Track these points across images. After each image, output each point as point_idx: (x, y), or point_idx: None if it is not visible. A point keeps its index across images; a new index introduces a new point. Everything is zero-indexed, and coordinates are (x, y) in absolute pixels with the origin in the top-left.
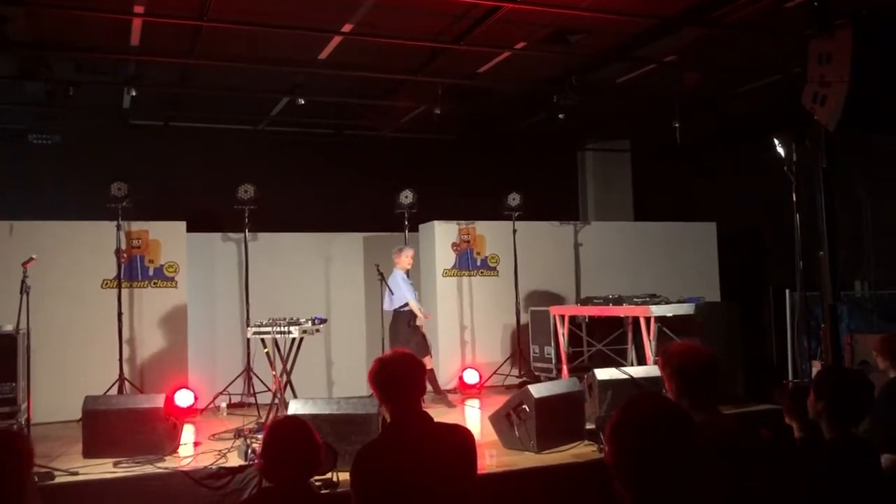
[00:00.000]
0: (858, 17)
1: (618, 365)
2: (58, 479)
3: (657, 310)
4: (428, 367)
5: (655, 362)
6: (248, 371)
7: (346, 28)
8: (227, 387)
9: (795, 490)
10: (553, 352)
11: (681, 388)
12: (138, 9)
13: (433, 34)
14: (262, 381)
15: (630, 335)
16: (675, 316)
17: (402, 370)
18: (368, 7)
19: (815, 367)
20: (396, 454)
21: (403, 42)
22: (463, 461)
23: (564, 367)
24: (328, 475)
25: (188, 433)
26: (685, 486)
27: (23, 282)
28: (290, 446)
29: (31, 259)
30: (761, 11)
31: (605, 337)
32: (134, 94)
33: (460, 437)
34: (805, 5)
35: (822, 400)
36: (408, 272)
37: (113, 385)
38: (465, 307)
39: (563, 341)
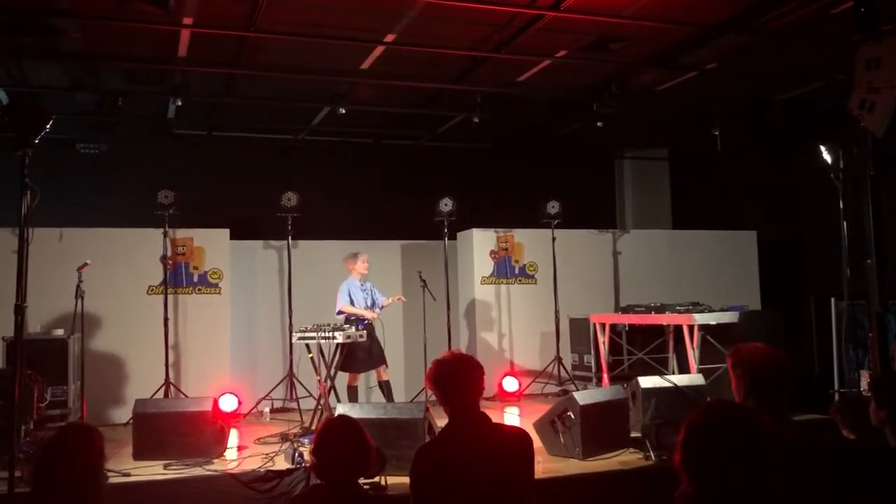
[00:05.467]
0: None
1: (659, 374)
2: (111, 480)
3: (701, 318)
4: (384, 377)
5: (700, 370)
6: (290, 376)
7: (389, 38)
8: (270, 391)
9: (864, 497)
10: (593, 360)
11: (749, 389)
12: (187, 20)
13: (475, 43)
14: (303, 387)
15: (671, 343)
16: (718, 324)
17: (460, 370)
18: (412, 17)
19: (864, 377)
20: (456, 453)
21: (445, 51)
22: (521, 462)
23: (605, 376)
24: (376, 479)
25: (233, 437)
26: (753, 488)
27: (77, 286)
28: (342, 445)
29: (86, 264)
30: (805, 18)
31: (645, 345)
32: (179, 103)
33: (519, 439)
34: (851, 11)
35: (884, 408)
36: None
37: (159, 389)
38: (504, 315)
39: (603, 349)
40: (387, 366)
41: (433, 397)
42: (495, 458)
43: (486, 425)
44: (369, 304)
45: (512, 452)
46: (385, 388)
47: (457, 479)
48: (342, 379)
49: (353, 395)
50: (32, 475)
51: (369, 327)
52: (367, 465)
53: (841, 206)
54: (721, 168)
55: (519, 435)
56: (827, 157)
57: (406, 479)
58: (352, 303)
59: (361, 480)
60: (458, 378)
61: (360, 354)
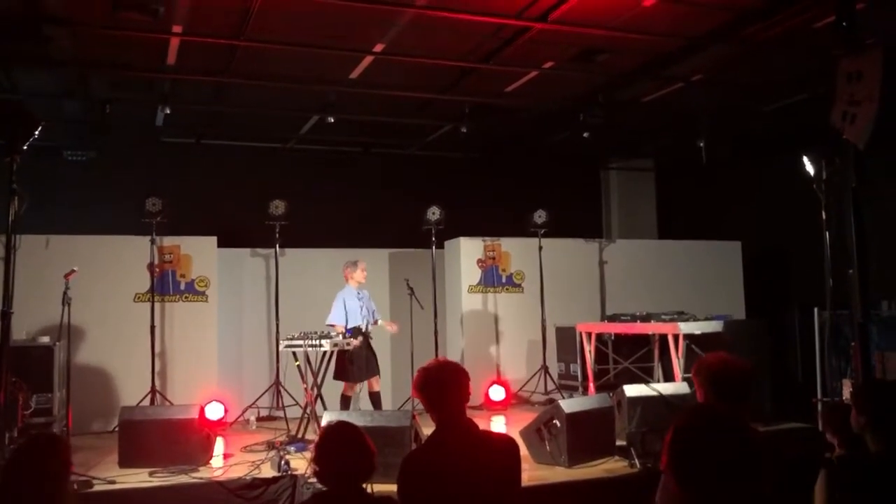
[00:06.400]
0: (889, 40)
1: (644, 382)
2: (96, 488)
3: (686, 327)
4: (375, 388)
5: (685, 378)
6: (277, 384)
7: (378, 48)
8: (256, 399)
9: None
10: (579, 369)
11: (709, 396)
12: (177, 28)
13: (463, 54)
14: (290, 395)
15: (656, 352)
16: (702, 333)
17: (446, 377)
18: (400, 27)
19: (846, 385)
20: (443, 460)
21: (433, 61)
22: (508, 468)
23: (591, 385)
24: (363, 486)
25: (219, 445)
26: (739, 488)
27: (64, 293)
28: (346, 449)
29: (73, 271)
30: (790, 31)
31: (631, 354)
32: (168, 111)
33: (506, 445)
34: (833, 25)
35: (864, 414)
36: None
37: (145, 397)
38: (490, 324)
39: (589, 358)
40: (379, 377)
41: (420, 405)
42: (483, 465)
43: (474, 432)
44: (364, 313)
45: (499, 459)
46: (375, 399)
47: (444, 485)
48: (329, 387)
49: (345, 405)
50: None
51: (366, 338)
52: (372, 469)
53: (823, 216)
54: (706, 179)
55: (506, 441)
56: (810, 168)
57: (392, 487)
58: (346, 313)
59: None
60: (444, 385)
61: (357, 363)
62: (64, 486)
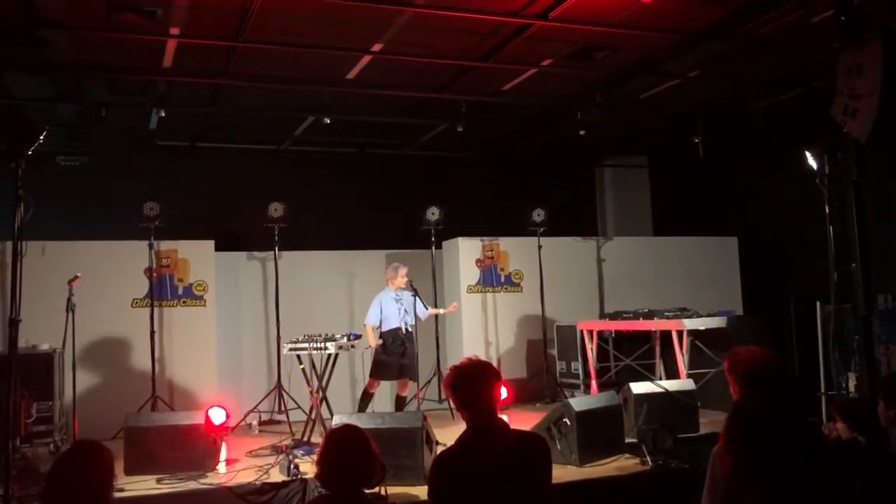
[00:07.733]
0: (887, 29)
1: (646, 380)
2: None
3: (690, 323)
4: (402, 393)
5: (690, 375)
6: (279, 388)
7: (376, 47)
8: (258, 404)
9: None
10: (580, 367)
11: (746, 390)
12: (174, 30)
13: (461, 52)
14: (292, 398)
15: (658, 349)
16: (706, 329)
17: (478, 377)
18: (399, 26)
19: (851, 379)
20: (475, 460)
21: (432, 60)
22: (539, 468)
23: (594, 383)
24: (376, 489)
25: (223, 450)
26: (806, 483)
27: (68, 300)
28: (349, 453)
29: (76, 277)
30: (787, 26)
31: (632, 352)
32: (163, 114)
33: (536, 445)
34: (832, 19)
35: (893, 407)
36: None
37: (146, 403)
38: (490, 323)
39: (591, 356)
40: (412, 382)
41: (428, 407)
42: (514, 464)
43: (505, 431)
44: (403, 315)
45: (530, 458)
46: (398, 403)
47: (476, 484)
48: (333, 390)
49: (364, 401)
50: (42, 493)
51: (408, 340)
52: (373, 474)
53: (827, 210)
54: (699, 175)
55: (536, 440)
56: (812, 162)
57: (405, 489)
58: (381, 314)
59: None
60: (477, 384)
61: (390, 363)
62: (107, 494)
